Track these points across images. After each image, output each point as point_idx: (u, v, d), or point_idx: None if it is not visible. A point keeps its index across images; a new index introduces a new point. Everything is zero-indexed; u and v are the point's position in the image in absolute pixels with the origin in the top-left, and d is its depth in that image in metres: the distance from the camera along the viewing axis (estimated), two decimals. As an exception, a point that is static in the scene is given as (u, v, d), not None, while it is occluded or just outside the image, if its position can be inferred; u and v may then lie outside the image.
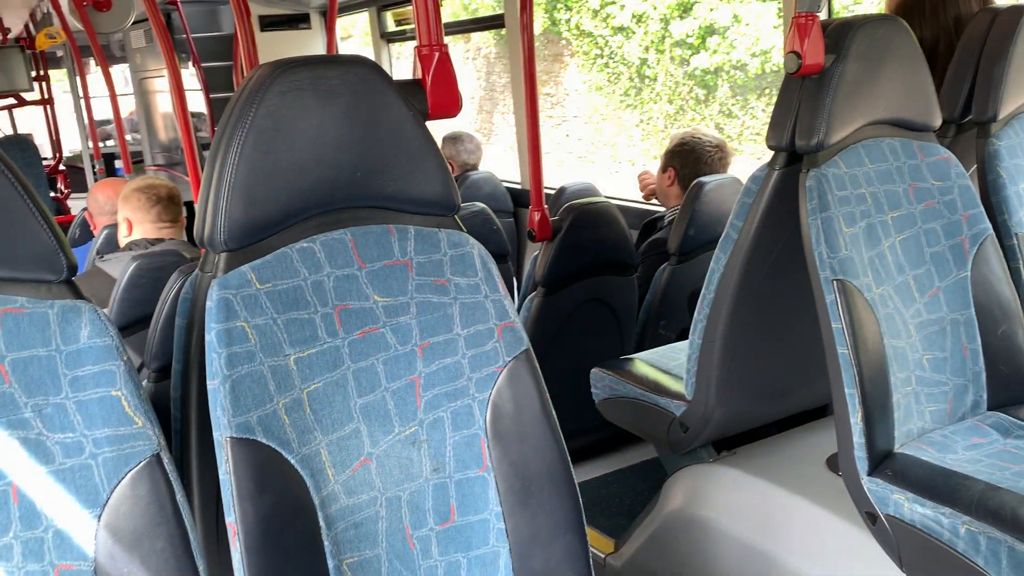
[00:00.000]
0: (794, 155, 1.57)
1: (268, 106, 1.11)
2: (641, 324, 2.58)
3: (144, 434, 1.01)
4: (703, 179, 2.46)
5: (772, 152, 1.62)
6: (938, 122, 1.66)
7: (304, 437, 1.11)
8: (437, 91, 1.24)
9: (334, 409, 1.14)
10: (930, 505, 1.37)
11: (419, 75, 1.24)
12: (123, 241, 2.42)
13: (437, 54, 1.24)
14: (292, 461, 1.09)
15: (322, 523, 1.11)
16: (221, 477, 1.05)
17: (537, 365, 1.27)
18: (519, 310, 2.41)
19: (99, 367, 1.02)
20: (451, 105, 1.25)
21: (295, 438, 1.10)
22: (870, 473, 1.45)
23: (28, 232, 1.01)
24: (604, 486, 2.44)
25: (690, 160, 2.68)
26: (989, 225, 1.64)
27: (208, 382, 1.07)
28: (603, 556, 2.07)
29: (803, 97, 1.53)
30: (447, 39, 1.31)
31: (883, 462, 1.46)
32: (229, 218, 1.10)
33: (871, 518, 1.47)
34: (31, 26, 6.17)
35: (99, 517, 1.00)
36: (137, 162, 5.69)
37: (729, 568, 1.76)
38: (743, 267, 1.65)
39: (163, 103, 5.72)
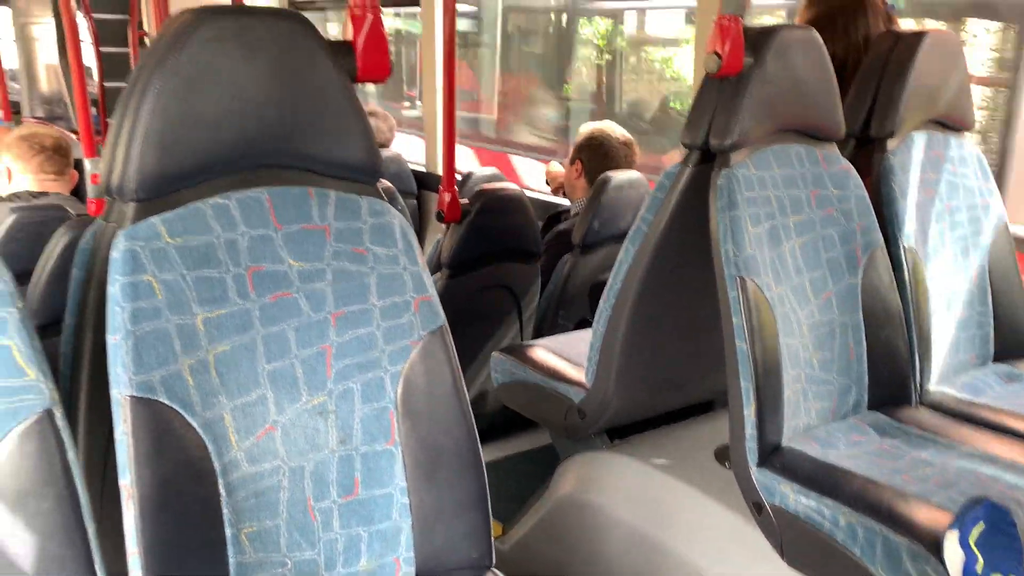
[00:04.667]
0: (707, 154, 1.62)
1: (190, 52, 1.06)
2: (541, 312, 2.60)
3: (36, 387, 0.95)
4: (610, 174, 2.51)
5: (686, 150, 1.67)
6: (842, 134, 1.74)
7: (208, 400, 1.06)
8: (367, 54, 1.21)
9: (241, 374, 1.10)
10: (814, 496, 1.43)
11: (349, 36, 1.21)
12: (3, 191, 2.27)
13: (370, 16, 1.21)
14: (194, 424, 1.04)
15: (222, 490, 1.07)
16: (117, 437, 1.00)
17: (452, 342, 1.26)
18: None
19: None
20: (381, 69, 1.23)
21: (198, 401, 1.05)
22: (759, 464, 1.51)
23: None
24: (496, 471, 2.44)
25: (598, 155, 2.72)
26: (880, 235, 1.74)
27: (108, 337, 1.01)
28: None
29: (720, 98, 1.58)
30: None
31: (772, 455, 1.53)
32: (141, 165, 1.05)
33: (757, 508, 1.52)
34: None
35: None
36: (15, 113, 5.37)
37: (615, 553, 1.79)
38: (651, 259, 1.69)
39: (45, 53, 5.37)
